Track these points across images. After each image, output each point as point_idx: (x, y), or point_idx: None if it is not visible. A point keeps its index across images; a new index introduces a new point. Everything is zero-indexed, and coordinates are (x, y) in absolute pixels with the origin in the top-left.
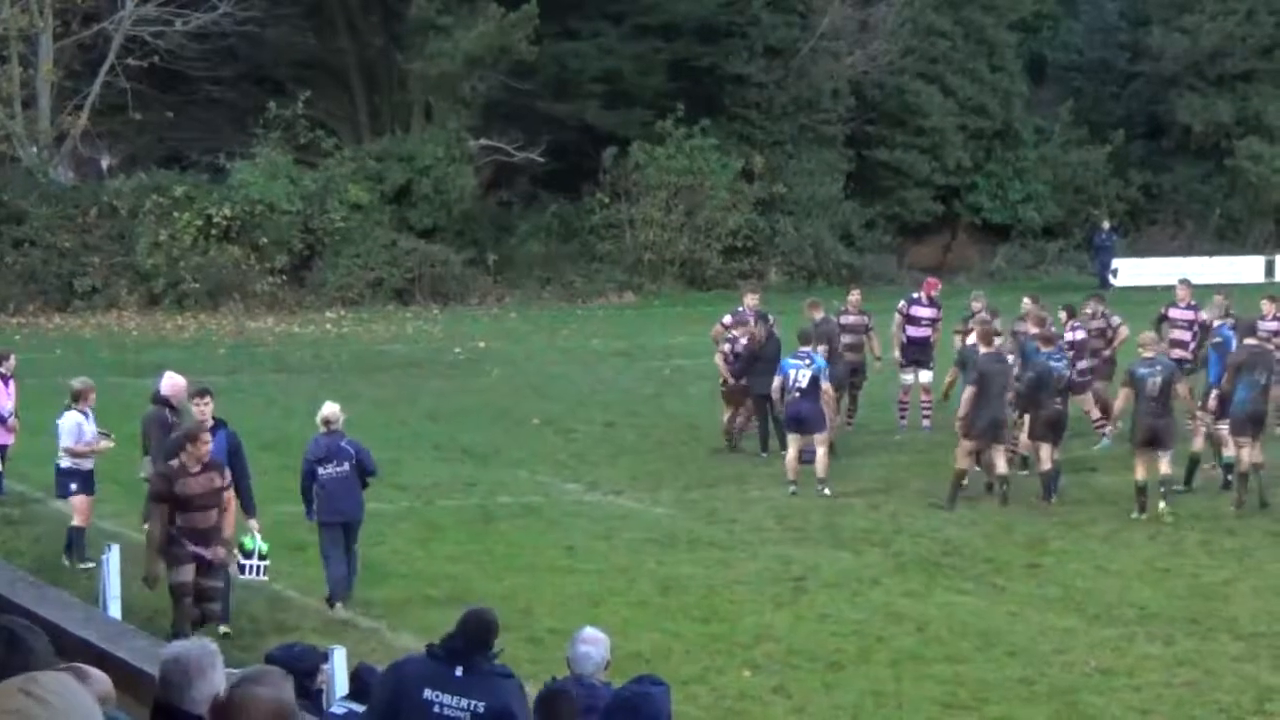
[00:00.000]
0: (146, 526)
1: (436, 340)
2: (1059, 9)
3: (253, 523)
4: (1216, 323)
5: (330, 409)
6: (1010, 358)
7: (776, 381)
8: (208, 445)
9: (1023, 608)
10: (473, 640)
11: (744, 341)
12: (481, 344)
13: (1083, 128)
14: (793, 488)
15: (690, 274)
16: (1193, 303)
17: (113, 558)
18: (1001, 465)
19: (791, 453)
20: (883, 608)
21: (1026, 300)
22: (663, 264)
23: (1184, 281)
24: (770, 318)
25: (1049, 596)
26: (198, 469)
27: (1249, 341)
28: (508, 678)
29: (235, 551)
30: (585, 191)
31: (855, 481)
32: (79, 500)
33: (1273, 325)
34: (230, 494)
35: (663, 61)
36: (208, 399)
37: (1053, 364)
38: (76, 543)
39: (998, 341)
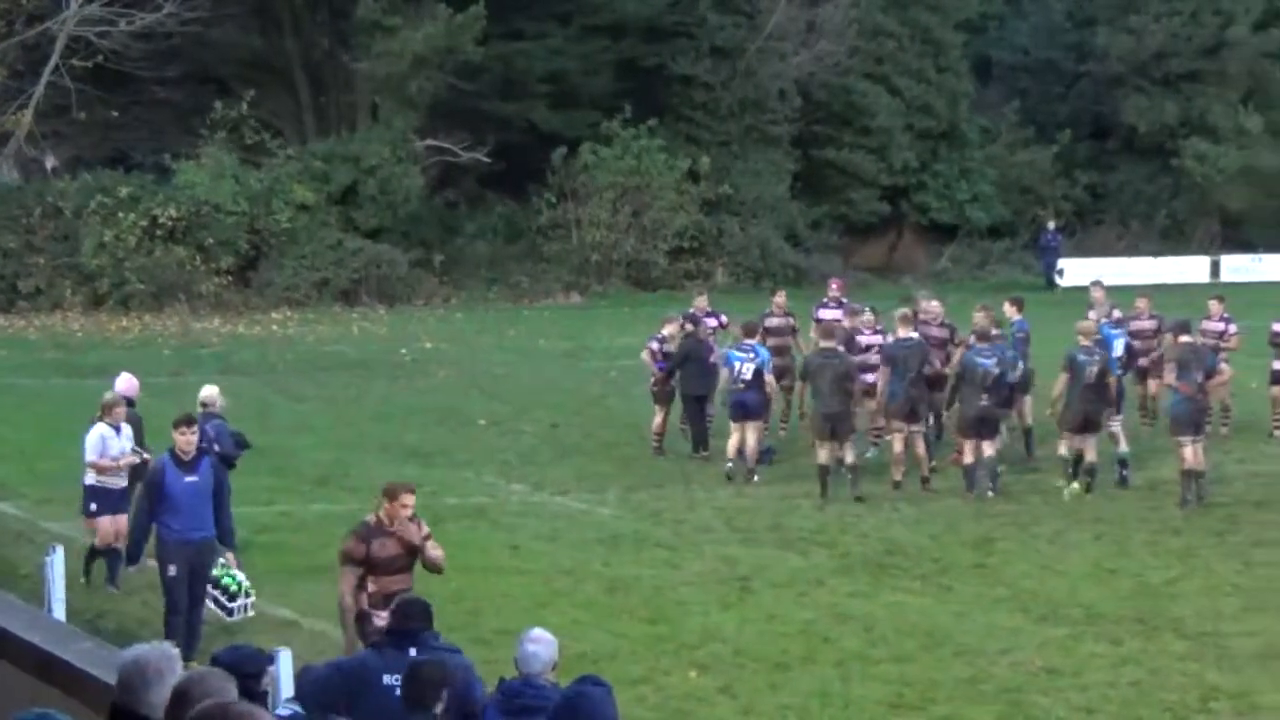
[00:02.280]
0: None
1: (383, 341)
2: (1005, 9)
3: (230, 556)
4: (1101, 321)
5: (208, 390)
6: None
7: (724, 373)
8: (407, 508)
9: (969, 608)
10: (417, 622)
11: (666, 333)
12: (428, 345)
13: (1029, 128)
14: (729, 464)
15: (636, 275)
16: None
17: (57, 560)
18: (848, 457)
19: (733, 440)
20: (829, 608)
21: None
22: (609, 264)
23: (1096, 283)
24: (721, 316)
25: (995, 596)
26: (395, 525)
27: (1184, 339)
28: (458, 653)
29: (213, 590)
30: (532, 192)
31: (801, 483)
32: (101, 521)
33: (1219, 325)
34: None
35: (609, 62)
36: (194, 428)
37: (980, 361)
38: (111, 563)
39: (839, 339)
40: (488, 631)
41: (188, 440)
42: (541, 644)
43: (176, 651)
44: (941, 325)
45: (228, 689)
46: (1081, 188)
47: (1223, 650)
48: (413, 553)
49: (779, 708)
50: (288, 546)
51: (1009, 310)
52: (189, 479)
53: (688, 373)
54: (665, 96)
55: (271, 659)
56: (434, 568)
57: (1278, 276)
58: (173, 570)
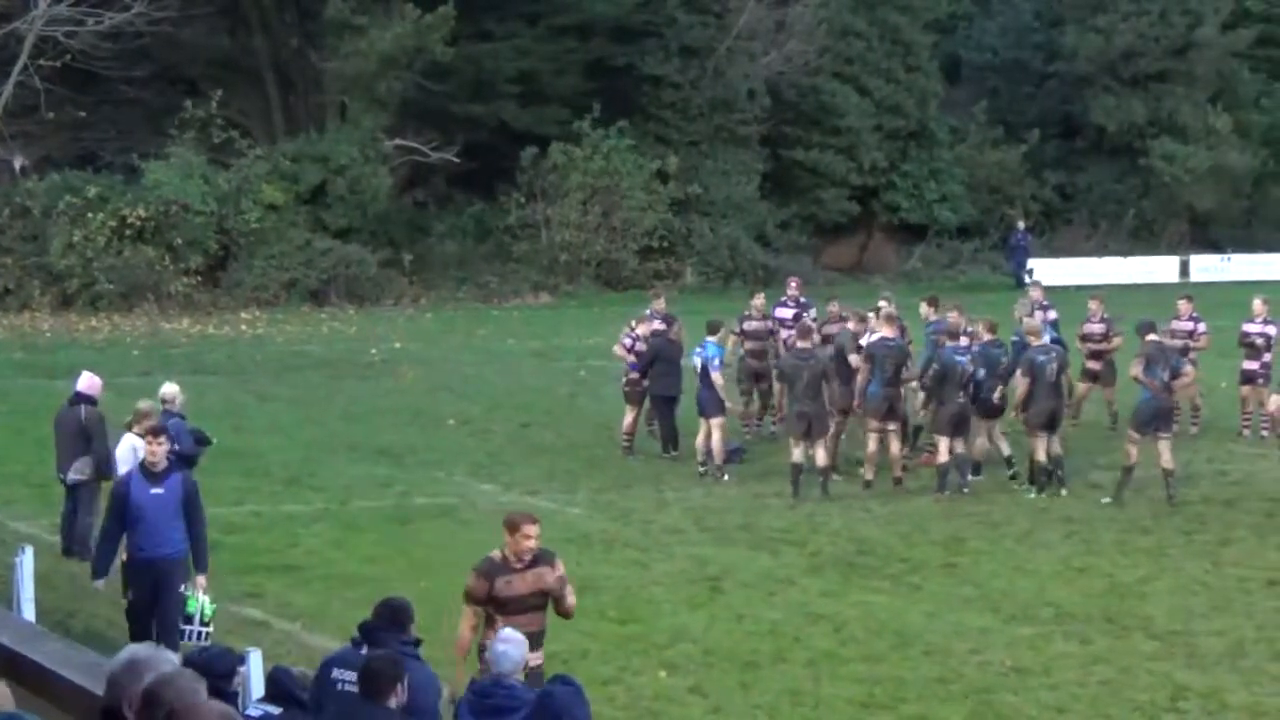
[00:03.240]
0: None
1: (352, 341)
2: (974, 9)
3: (200, 579)
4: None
5: (168, 388)
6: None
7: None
8: (530, 540)
9: (939, 607)
10: (381, 621)
11: (640, 330)
12: (397, 345)
13: (998, 128)
14: (700, 468)
15: (606, 275)
16: (1045, 302)
17: (26, 560)
18: (820, 457)
19: (699, 437)
20: (799, 607)
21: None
22: (579, 264)
23: (1036, 283)
24: (676, 321)
25: (965, 596)
26: (524, 563)
27: (1151, 337)
28: (414, 658)
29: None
30: (501, 192)
31: (772, 482)
32: None
33: (1188, 325)
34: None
35: (579, 62)
36: (163, 439)
37: (958, 359)
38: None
39: (815, 339)
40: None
41: (154, 451)
42: (512, 644)
43: (173, 655)
44: (764, 317)
45: (198, 690)
46: (1050, 187)
47: (1192, 649)
48: (544, 593)
49: (749, 707)
50: (257, 547)
51: (925, 310)
52: (155, 491)
53: (657, 373)
54: (634, 96)
55: (242, 660)
56: (564, 614)
57: (1246, 276)
58: (131, 595)
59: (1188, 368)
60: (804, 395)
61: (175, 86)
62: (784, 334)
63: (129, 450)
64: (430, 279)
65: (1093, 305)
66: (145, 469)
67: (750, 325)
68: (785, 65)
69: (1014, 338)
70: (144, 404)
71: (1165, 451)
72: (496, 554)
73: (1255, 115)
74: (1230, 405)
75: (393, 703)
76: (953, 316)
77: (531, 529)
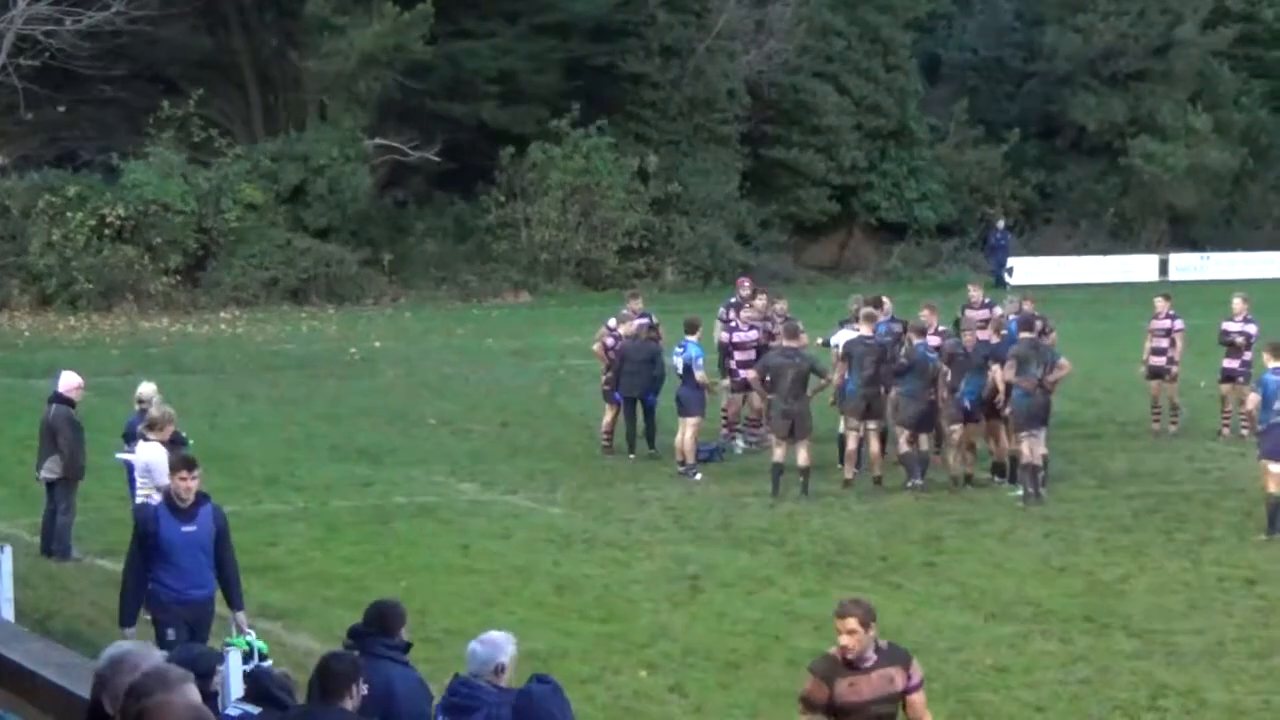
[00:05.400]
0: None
1: (332, 340)
2: (954, 8)
3: (241, 616)
4: (1011, 317)
5: (145, 388)
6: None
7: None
8: (856, 638)
9: (919, 606)
10: (370, 626)
11: (623, 330)
12: (377, 344)
13: (978, 127)
14: (680, 468)
15: (586, 274)
16: (987, 300)
17: (4, 560)
18: (802, 457)
19: (679, 436)
20: (779, 606)
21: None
22: (558, 264)
23: (973, 283)
24: (653, 318)
25: (945, 594)
26: (870, 660)
27: (1026, 335)
28: (402, 664)
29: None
30: (481, 191)
31: (751, 481)
32: None
33: (1166, 323)
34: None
35: (558, 61)
36: (195, 472)
37: (930, 356)
38: None
39: (803, 338)
40: (437, 631)
41: (188, 487)
42: (485, 644)
43: (158, 651)
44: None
45: (175, 686)
46: (1030, 186)
47: (1171, 648)
48: (894, 699)
49: (729, 706)
50: (237, 546)
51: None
52: (187, 529)
53: (625, 374)
54: (614, 95)
55: (221, 658)
56: None
57: (1225, 275)
58: (171, 634)
59: (1062, 360)
60: (788, 394)
61: (155, 86)
62: (724, 335)
63: (161, 459)
64: (410, 278)
65: (974, 293)
66: (172, 504)
67: (740, 337)
68: (765, 64)
69: (884, 335)
70: (156, 410)
71: (1037, 448)
72: (837, 651)
73: (1235, 114)
74: (1210, 404)
75: (348, 704)
76: (925, 314)
77: (842, 624)
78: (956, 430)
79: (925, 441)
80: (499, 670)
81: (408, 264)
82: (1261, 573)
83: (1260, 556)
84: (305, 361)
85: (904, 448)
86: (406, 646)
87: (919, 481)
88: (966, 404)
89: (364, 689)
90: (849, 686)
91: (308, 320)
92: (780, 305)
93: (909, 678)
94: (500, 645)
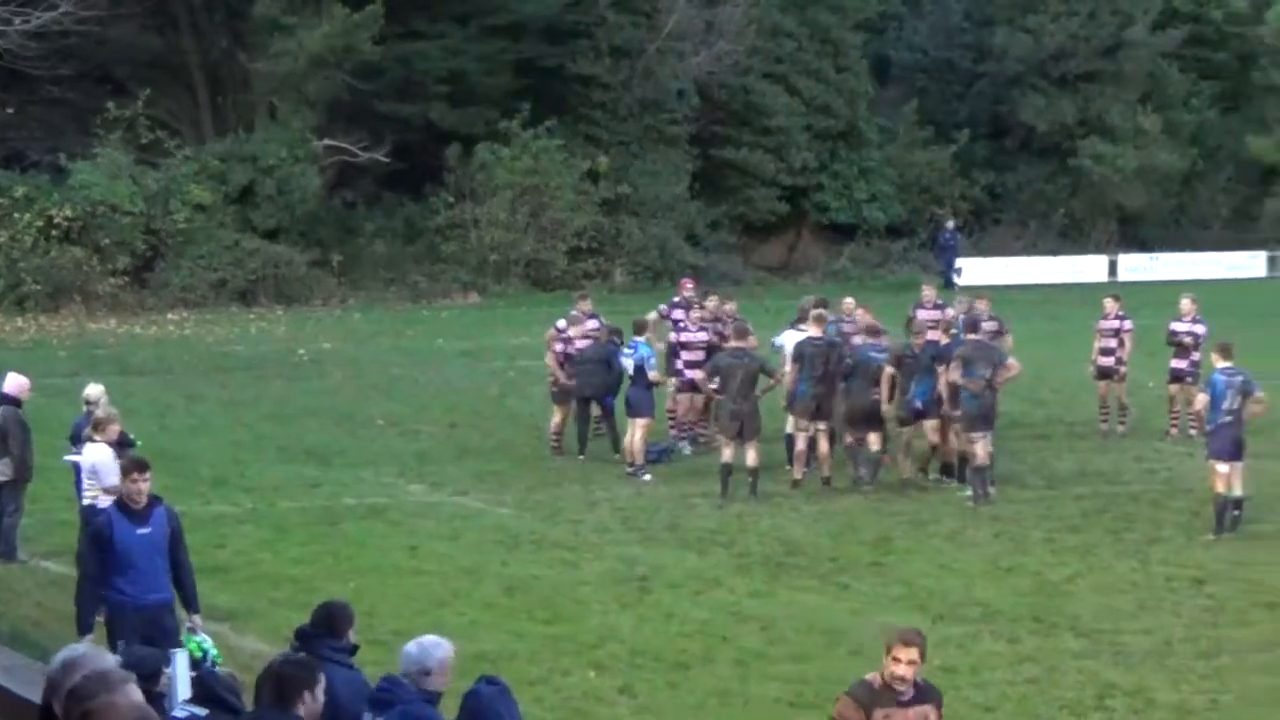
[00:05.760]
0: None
1: (280, 341)
2: (904, 9)
3: (196, 619)
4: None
5: (93, 389)
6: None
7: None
8: (900, 663)
9: (867, 606)
10: (317, 627)
11: (579, 343)
12: (326, 345)
13: (927, 128)
14: (628, 468)
15: (535, 275)
16: (939, 301)
17: None
18: (751, 458)
19: (628, 437)
20: (728, 607)
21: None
22: (508, 264)
23: (927, 283)
24: (600, 320)
25: (893, 595)
26: (909, 694)
27: (971, 337)
28: (346, 667)
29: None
30: (430, 192)
31: (700, 482)
32: None
33: (1115, 324)
34: None
35: (508, 62)
36: (147, 474)
37: (873, 355)
38: None
39: (752, 339)
40: (385, 632)
41: (139, 489)
42: (417, 646)
43: (109, 655)
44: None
45: (118, 688)
46: (980, 187)
47: (1119, 648)
48: None
49: (677, 707)
50: None
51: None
52: (141, 531)
53: (578, 375)
54: (564, 96)
55: (168, 660)
56: None
57: (1174, 275)
58: (121, 646)
59: (1010, 360)
60: (737, 395)
61: (103, 86)
62: (674, 335)
63: (110, 460)
64: (359, 279)
65: (928, 291)
66: (125, 507)
67: (687, 337)
68: (715, 65)
69: (835, 335)
70: (101, 411)
71: (979, 450)
72: (874, 678)
73: (1184, 115)
74: (1158, 404)
75: (301, 710)
76: (860, 313)
77: (905, 652)
78: (907, 433)
79: (876, 441)
80: (424, 673)
81: (357, 265)
82: (1209, 572)
83: (1208, 556)
84: (254, 363)
85: (873, 447)
86: (353, 649)
87: (863, 476)
88: (919, 405)
89: (321, 697)
90: (885, 718)
91: (256, 321)
92: (730, 306)
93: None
94: (428, 650)
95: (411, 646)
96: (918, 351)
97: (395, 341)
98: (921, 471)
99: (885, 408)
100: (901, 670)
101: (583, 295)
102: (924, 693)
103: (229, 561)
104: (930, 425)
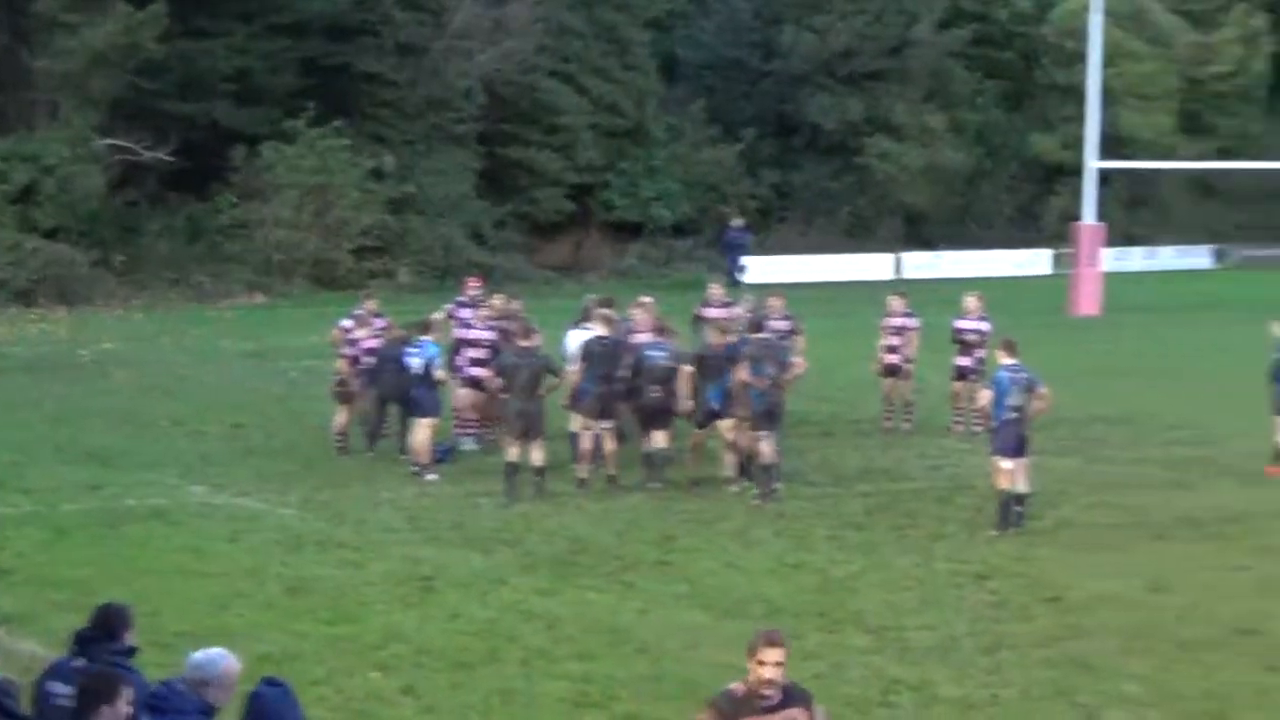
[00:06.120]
0: None
1: (62, 342)
2: (691, 8)
3: None
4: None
5: None
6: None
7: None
8: (765, 667)
9: (652, 604)
10: (96, 631)
11: (366, 343)
12: (108, 346)
13: (715, 126)
14: (413, 468)
15: (321, 274)
16: (727, 299)
17: None
18: (536, 457)
19: (413, 437)
20: (513, 606)
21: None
22: (293, 264)
23: (714, 282)
24: (387, 320)
25: (678, 593)
26: (774, 698)
27: (757, 335)
28: (126, 669)
29: None
30: (215, 191)
31: (485, 481)
32: None
33: (899, 321)
34: None
35: (293, 60)
36: None
37: (652, 354)
38: None
39: (537, 338)
40: (168, 635)
41: None
42: (203, 654)
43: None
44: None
45: None
46: (766, 185)
47: (903, 644)
48: None
49: (461, 707)
50: None
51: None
52: None
53: (379, 373)
54: (350, 95)
55: None
56: None
57: (959, 273)
58: None
59: (796, 359)
60: (522, 394)
61: None
62: (459, 332)
63: None
64: (142, 279)
65: (715, 290)
66: None
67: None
68: (502, 63)
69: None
70: None
71: (765, 448)
72: (738, 687)
73: (969, 114)
74: (942, 401)
75: None
76: (637, 313)
77: (771, 653)
78: (700, 434)
79: (662, 439)
80: (203, 684)
81: (140, 265)
82: (992, 568)
83: (991, 552)
84: (34, 364)
85: (655, 444)
86: (131, 651)
87: (648, 480)
88: (714, 406)
89: (125, 709)
90: None
91: (37, 322)
92: (516, 305)
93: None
94: (212, 660)
95: (198, 655)
96: (718, 351)
97: (179, 341)
98: (741, 469)
99: (688, 404)
100: (769, 673)
101: (368, 295)
102: (791, 696)
103: (8, 564)
104: (725, 425)
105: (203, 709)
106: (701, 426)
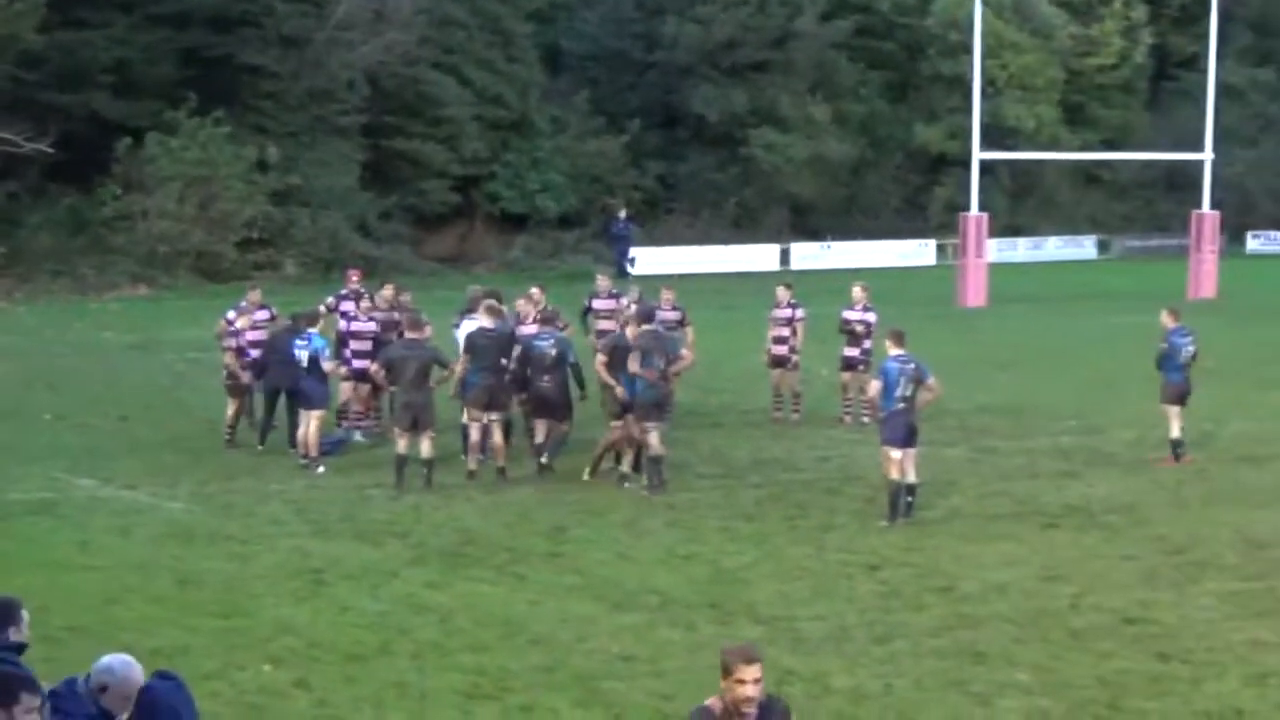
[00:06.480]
0: None
1: None
2: None
3: None
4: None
5: None
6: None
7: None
8: (745, 685)
9: (544, 596)
10: None
11: (249, 335)
12: None
13: (599, 118)
14: (302, 461)
15: (205, 266)
16: (614, 291)
17: None
18: (425, 449)
19: (301, 429)
20: (404, 599)
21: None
22: (177, 256)
23: (601, 274)
24: (273, 310)
25: (569, 584)
26: (751, 715)
27: (646, 327)
28: (13, 665)
29: None
30: (97, 183)
31: (375, 474)
32: None
33: (787, 312)
34: None
35: (174, 51)
36: None
37: (538, 344)
38: None
39: (426, 330)
40: (56, 629)
41: None
42: (109, 659)
43: None
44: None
45: None
46: (652, 177)
47: (796, 634)
48: None
49: (354, 700)
50: None
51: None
52: None
53: (271, 365)
54: (232, 86)
55: None
56: None
57: (845, 264)
58: None
59: (684, 352)
60: (410, 386)
61: None
62: (343, 325)
63: None
64: (24, 272)
65: (666, 294)
66: None
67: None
68: (385, 55)
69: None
70: None
71: (654, 440)
72: (715, 703)
73: (853, 105)
74: (831, 392)
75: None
76: (521, 303)
77: (748, 671)
78: (619, 426)
79: (548, 429)
80: (101, 688)
81: (21, 258)
82: (883, 558)
83: (881, 542)
84: None
85: (538, 438)
86: (19, 647)
87: (545, 463)
88: (628, 398)
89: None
90: None
91: None
92: (405, 297)
93: None
94: (112, 667)
95: (106, 659)
96: (635, 342)
97: (62, 334)
98: (616, 462)
99: (618, 391)
100: (749, 691)
101: (253, 286)
102: (768, 710)
103: None
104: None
105: (97, 715)
106: (617, 418)
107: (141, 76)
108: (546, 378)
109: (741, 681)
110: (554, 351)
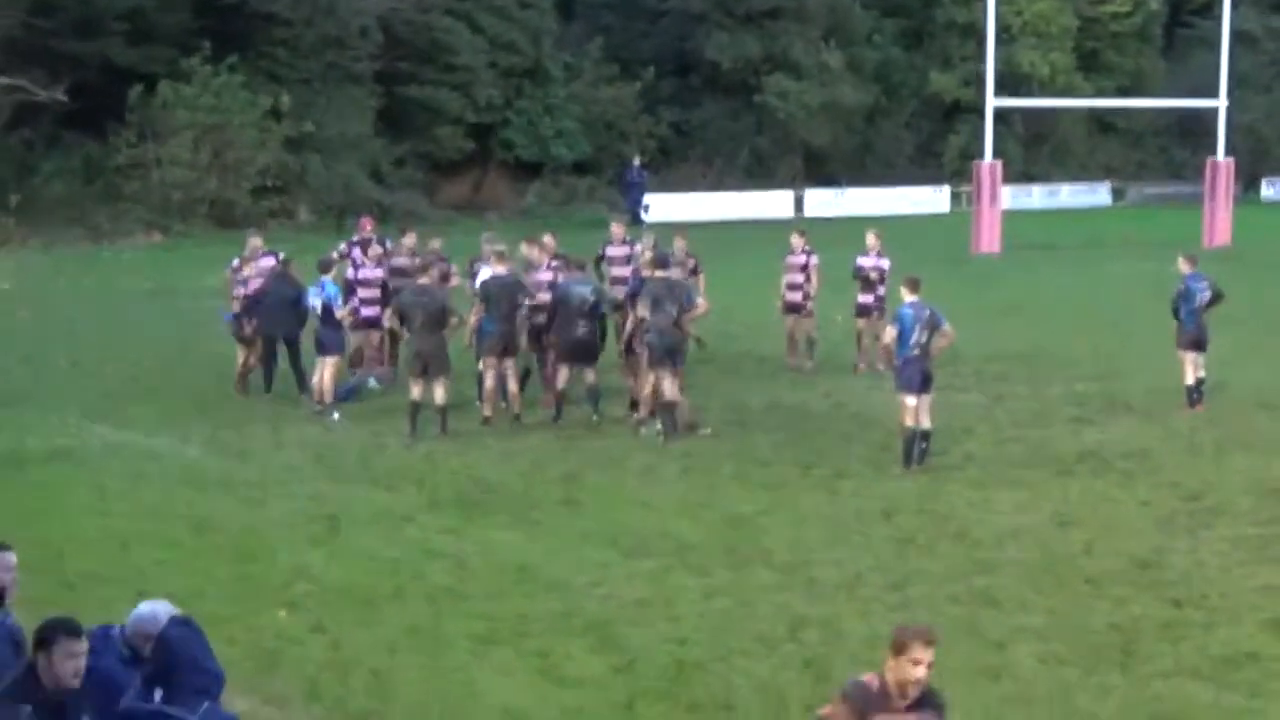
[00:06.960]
0: None
1: None
2: None
3: None
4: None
5: None
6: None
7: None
8: (920, 669)
9: (559, 543)
10: None
11: (254, 282)
12: (4, 286)
13: (613, 65)
14: (316, 407)
15: (219, 214)
16: (628, 238)
17: None
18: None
19: (316, 376)
20: (419, 544)
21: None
22: (191, 204)
23: (616, 221)
24: (280, 256)
25: (585, 530)
26: (908, 699)
27: (659, 274)
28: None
29: None
30: (111, 131)
31: (390, 420)
32: None
33: (801, 259)
34: None
35: None
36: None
37: (576, 289)
38: None
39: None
40: (73, 575)
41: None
42: (149, 606)
43: None
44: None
45: None
46: (665, 124)
47: (810, 580)
48: None
49: (370, 644)
50: None
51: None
52: None
53: (266, 312)
54: (245, 33)
55: None
56: None
57: (859, 211)
58: None
59: (699, 299)
60: (420, 333)
61: None
62: (350, 272)
63: None
64: (38, 220)
65: (679, 242)
66: None
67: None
68: (398, 1)
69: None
70: None
71: (668, 385)
72: (872, 679)
73: (867, 51)
74: (845, 339)
75: None
76: (524, 248)
77: (927, 654)
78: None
79: (591, 374)
80: (145, 638)
81: (35, 205)
82: (897, 505)
83: (896, 489)
84: None
85: (560, 384)
86: None
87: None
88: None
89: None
90: None
91: None
92: (436, 243)
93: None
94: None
95: (143, 607)
96: (646, 288)
97: (77, 282)
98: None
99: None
100: (920, 673)
101: (254, 232)
102: (926, 698)
103: None
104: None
105: (129, 659)
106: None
107: (155, 24)
108: (583, 323)
109: (916, 662)
110: (593, 298)
